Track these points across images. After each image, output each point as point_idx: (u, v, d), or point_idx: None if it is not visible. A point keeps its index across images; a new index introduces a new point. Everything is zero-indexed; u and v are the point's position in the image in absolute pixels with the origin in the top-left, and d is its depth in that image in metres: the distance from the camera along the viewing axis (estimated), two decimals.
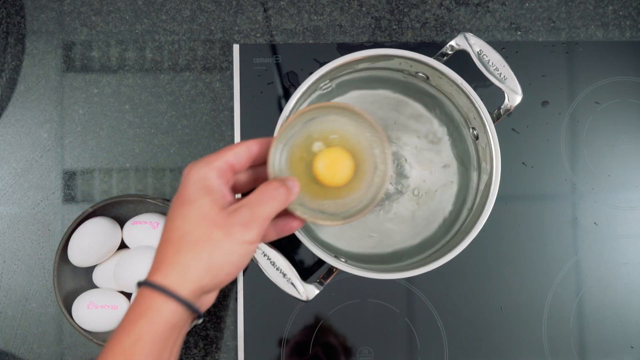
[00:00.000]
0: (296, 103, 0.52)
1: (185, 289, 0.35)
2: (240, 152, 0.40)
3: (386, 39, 0.64)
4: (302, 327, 0.60)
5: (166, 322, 0.35)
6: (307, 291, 0.51)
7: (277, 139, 0.42)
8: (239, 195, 0.46)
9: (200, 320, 0.41)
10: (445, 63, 0.53)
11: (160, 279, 0.35)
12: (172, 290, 0.35)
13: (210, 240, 0.36)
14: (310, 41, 0.63)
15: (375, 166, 0.44)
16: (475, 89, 0.52)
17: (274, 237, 0.43)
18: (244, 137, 0.61)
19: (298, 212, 0.42)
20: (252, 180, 0.43)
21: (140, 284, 0.36)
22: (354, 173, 0.44)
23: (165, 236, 0.37)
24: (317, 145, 0.44)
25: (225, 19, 0.64)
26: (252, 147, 0.41)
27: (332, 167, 0.43)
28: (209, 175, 0.38)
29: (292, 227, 0.43)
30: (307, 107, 0.43)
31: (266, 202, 0.39)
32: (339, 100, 0.58)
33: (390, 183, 0.58)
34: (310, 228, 0.57)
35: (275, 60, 0.63)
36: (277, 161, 0.42)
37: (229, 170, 0.39)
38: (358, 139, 0.44)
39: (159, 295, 0.35)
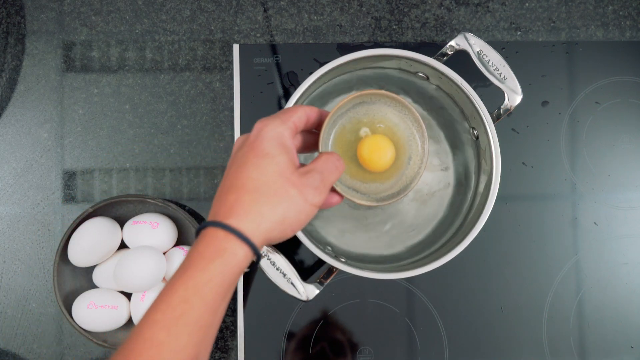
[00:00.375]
0: (296, 103, 0.52)
1: (257, 237, 0.37)
2: (301, 117, 0.42)
3: (386, 39, 0.64)
4: (302, 327, 0.60)
5: (238, 266, 0.36)
6: (307, 291, 0.51)
7: (332, 115, 0.45)
8: None
9: (248, 270, 0.43)
10: (445, 63, 0.53)
11: (236, 224, 0.36)
12: (247, 236, 0.36)
13: (287, 196, 0.38)
14: (310, 41, 0.63)
15: (409, 157, 0.47)
16: (475, 89, 0.52)
17: None
18: None
19: (338, 188, 0.44)
20: (300, 146, 0.45)
21: (211, 224, 0.36)
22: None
23: (236, 182, 0.38)
24: (364, 130, 0.47)
25: (225, 19, 0.64)
26: (310, 114, 0.43)
27: (378, 152, 0.46)
28: (285, 134, 0.40)
29: (332, 202, 0.44)
30: (361, 91, 0.46)
31: (331, 171, 0.41)
32: (339, 99, 0.58)
33: None
34: (311, 227, 0.57)
35: (275, 60, 0.63)
36: (327, 136, 0.45)
37: (295, 131, 0.41)
38: (399, 129, 0.47)
39: (234, 239, 0.36)
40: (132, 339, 0.34)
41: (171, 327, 0.34)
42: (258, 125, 0.40)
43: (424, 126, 0.47)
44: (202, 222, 0.38)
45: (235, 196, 0.37)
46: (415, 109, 0.60)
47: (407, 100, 0.47)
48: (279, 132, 0.40)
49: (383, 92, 0.46)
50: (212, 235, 0.36)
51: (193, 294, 0.35)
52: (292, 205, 0.38)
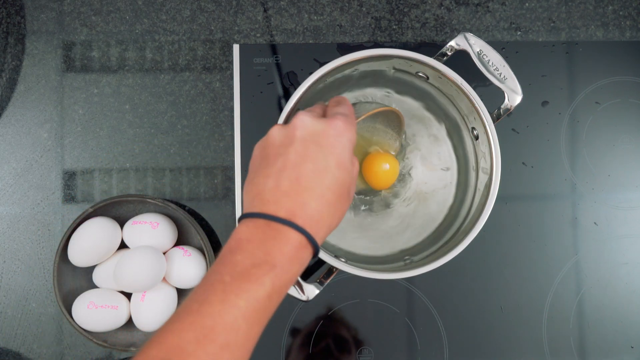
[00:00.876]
0: (296, 103, 0.52)
1: (319, 244, 0.38)
2: None
3: (386, 39, 0.64)
4: (302, 327, 0.60)
5: (302, 272, 0.38)
6: (307, 291, 0.51)
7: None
8: None
9: None
10: (445, 63, 0.53)
11: (316, 236, 0.37)
12: (319, 249, 0.38)
13: (345, 210, 0.40)
14: (310, 41, 0.63)
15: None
16: (475, 89, 0.52)
17: None
18: (244, 137, 0.61)
19: None
20: None
21: (300, 231, 0.36)
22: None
23: (316, 189, 0.37)
24: (374, 148, 0.51)
25: (225, 19, 0.64)
26: None
27: (386, 173, 0.51)
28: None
29: None
30: (380, 108, 0.48)
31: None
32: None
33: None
34: None
35: (275, 60, 0.63)
36: None
37: None
38: (380, 137, 0.50)
39: (311, 250, 0.37)
40: (208, 316, 0.33)
41: (251, 317, 0.34)
42: (340, 123, 0.39)
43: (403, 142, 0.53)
44: (286, 220, 0.36)
45: (316, 205, 0.37)
46: (416, 109, 0.60)
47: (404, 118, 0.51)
48: (353, 142, 0.39)
49: (394, 109, 0.49)
50: (298, 242, 0.36)
51: (275, 292, 0.35)
52: (343, 217, 0.40)
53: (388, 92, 0.59)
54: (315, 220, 0.37)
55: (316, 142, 0.38)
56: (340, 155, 0.38)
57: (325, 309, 0.60)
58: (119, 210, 0.59)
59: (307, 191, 0.37)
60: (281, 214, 0.36)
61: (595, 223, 0.62)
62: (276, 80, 0.62)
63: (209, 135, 0.62)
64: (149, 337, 0.42)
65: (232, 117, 0.62)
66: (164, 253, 0.57)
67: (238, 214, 0.60)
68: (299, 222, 0.36)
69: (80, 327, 0.55)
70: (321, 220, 0.37)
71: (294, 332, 0.60)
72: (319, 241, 0.37)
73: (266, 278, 0.35)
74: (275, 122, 0.51)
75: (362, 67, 0.56)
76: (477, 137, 0.55)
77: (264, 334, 0.60)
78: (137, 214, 0.59)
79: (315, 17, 0.64)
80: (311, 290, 0.52)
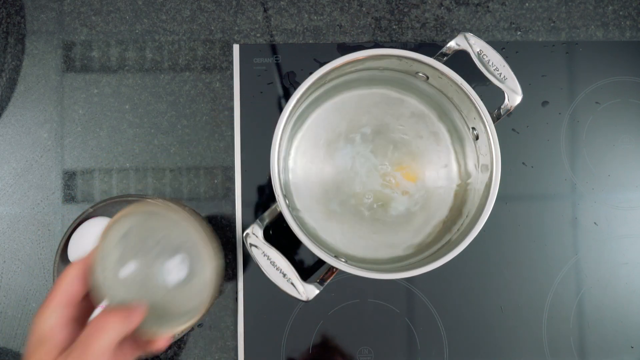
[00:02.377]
0: (296, 103, 0.52)
1: None
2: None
3: (386, 39, 0.64)
4: (302, 327, 0.60)
5: None
6: (307, 291, 0.51)
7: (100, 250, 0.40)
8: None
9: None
10: (445, 63, 0.53)
11: None
12: None
13: None
14: (310, 41, 0.63)
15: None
16: (475, 89, 0.52)
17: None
18: (244, 137, 0.61)
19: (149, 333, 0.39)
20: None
21: None
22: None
23: None
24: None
25: (225, 19, 0.64)
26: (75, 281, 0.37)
27: None
28: None
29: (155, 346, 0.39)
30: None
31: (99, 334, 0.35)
32: (339, 99, 0.58)
33: (391, 185, 0.58)
34: (313, 229, 0.57)
35: (275, 60, 0.63)
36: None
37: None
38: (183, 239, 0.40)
39: None
40: None
41: None
42: None
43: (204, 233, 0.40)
44: None
45: None
46: (416, 108, 0.60)
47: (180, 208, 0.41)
48: None
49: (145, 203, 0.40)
50: None
51: None
52: None
53: (387, 93, 0.59)
54: None
55: None
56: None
57: (325, 309, 0.60)
58: (119, 210, 0.59)
59: None
60: None
61: (595, 223, 0.62)
62: (276, 80, 0.62)
63: (209, 135, 0.62)
64: None
65: (232, 117, 0.62)
66: None
67: (239, 214, 0.60)
68: None
69: None
70: None
71: (294, 332, 0.60)
72: None
73: None
74: (275, 122, 0.51)
75: (362, 67, 0.56)
76: (477, 137, 0.55)
77: (263, 334, 0.60)
78: None
79: (315, 17, 0.64)
80: (311, 290, 0.52)
